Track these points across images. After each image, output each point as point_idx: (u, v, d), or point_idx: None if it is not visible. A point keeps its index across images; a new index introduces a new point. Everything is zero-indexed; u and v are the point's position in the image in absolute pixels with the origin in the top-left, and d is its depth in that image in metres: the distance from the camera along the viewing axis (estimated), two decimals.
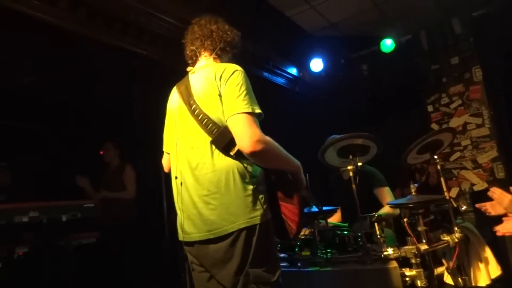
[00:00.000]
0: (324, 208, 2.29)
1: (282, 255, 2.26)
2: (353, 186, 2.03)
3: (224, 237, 1.41)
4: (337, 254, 2.06)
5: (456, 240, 2.09)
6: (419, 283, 1.83)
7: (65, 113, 4.03)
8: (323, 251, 2.08)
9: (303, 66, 5.01)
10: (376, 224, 2.00)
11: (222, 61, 1.68)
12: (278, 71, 4.71)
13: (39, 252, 2.81)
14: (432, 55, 4.60)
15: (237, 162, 1.46)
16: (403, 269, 1.86)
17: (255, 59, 4.14)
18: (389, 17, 4.23)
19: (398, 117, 4.48)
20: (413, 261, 1.87)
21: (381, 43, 4.44)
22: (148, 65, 3.34)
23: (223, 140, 1.44)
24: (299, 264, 2.13)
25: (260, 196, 1.46)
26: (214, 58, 1.68)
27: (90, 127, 4.31)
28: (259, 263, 1.40)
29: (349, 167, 2.06)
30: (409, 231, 2.06)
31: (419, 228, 2.03)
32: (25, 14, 2.36)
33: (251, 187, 1.45)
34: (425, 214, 2.10)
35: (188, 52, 1.72)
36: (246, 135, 1.39)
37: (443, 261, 2.36)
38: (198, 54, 1.69)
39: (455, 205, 2.29)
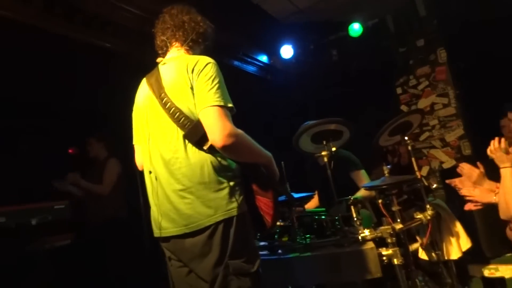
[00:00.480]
0: (301, 194, 2.31)
1: (262, 243, 2.27)
2: (328, 171, 2.04)
3: (201, 230, 1.40)
4: (316, 239, 2.09)
5: (429, 218, 2.16)
6: (395, 261, 1.89)
7: (33, 112, 3.84)
8: (302, 237, 2.10)
9: (273, 53, 4.99)
10: (352, 207, 2.04)
11: (193, 53, 1.65)
12: (249, 59, 4.67)
13: (9, 259, 2.69)
14: (399, 38, 4.68)
15: (211, 155, 1.44)
16: (380, 249, 1.90)
17: (224, 48, 4.08)
18: (356, 1, 4.26)
19: (369, 100, 4.56)
20: (389, 240, 1.92)
21: (349, 27, 4.48)
22: (113, 58, 3.22)
23: (196, 134, 1.43)
24: (279, 251, 2.14)
25: (236, 188, 1.46)
26: (185, 50, 1.65)
27: (59, 126, 4.14)
28: (238, 254, 1.41)
29: (323, 153, 2.08)
30: (384, 212, 2.11)
31: (393, 208, 2.08)
32: None
33: (226, 180, 1.45)
34: (399, 194, 2.15)
35: (158, 42, 1.68)
36: (217, 128, 1.38)
37: (417, 238, 2.45)
38: (168, 44, 1.66)
39: (426, 183, 2.36)
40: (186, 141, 1.45)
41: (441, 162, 4.43)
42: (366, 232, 1.93)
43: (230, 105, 1.44)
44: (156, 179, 1.51)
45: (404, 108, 4.69)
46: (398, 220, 2.03)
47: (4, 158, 3.79)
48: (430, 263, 2.44)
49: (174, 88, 1.49)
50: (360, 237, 1.93)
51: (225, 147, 1.38)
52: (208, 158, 1.44)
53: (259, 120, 5.08)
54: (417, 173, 2.32)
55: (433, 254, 2.39)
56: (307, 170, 3.29)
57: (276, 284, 2.04)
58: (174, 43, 1.65)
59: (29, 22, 2.45)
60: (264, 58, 4.94)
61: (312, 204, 3.10)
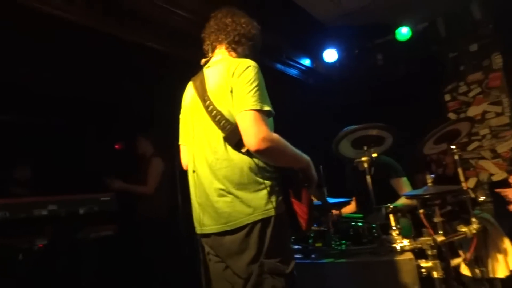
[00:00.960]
0: (338, 200, 2.28)
1: (296, 246, 2.27)
2: (368, 177, 2.01)
3: (240, 228, 1.44)
4: (352, 246, 2.06)
5: (474, 231, 2.06)
6: (435, 274, 1.82)
7: (83, 108, 4.10)
8: (337, 243, 2.08)
9: (316, 57, 4.94)
10: (391, 215, 1.99)
11: (238, 55, 1.67)
12: (292, 63, 4.66)
13: (58, 244, 2.89)
14: (450, 42, 4.47)
15: (249, 157, 1.48)
16: (419, 261, 1.84)
17: (268, 50, 4.10)
18: (405, 4, 4.13)
19: (414, 107, 4.39)
20: (429, 252, 1.85)
21: (397, 31, 4.34)
22: (164, 60, 3.35)
23: (234, 137, 1.46)
24: (313, 255, 2.13)
25: (274, 190, 1.48)
26: (229, 52, 1.67)
27: (107, 123, 4.38)
28: (274, 254, 1.43)
29: (364, 159, 2.04)
30: (426, 222, 2.04)
31: (436, 219, 2.01)
32: (47, 12, 2.39)
33: (264, 181, 1.47)
34: (442, 205, 2.07)
35: (204, 47, 1.73)
36: (251, 133, 1.39)
37: (460, 252, 2.33)
38: (213, 48, 1.70)
39: (472, 195, 2.25)
40: (226, 143, 1.49)
41: (491, 174, 4.17)
42: (405, 242, 1.88)
43: (267, 108, 1.44)
44: (198, 178, 1.57)
45: (452, 115, 4.47)
46: (440, 232, 1.95)
47: (58, 151, 4.08)
48: (473, 280, 2.32)
49: (216, 91, 1.53)
50: (398, 247, 1.88)
51: (259, 151, 1.40)
52: (246, 160, 1.47)
53: (300, 123, 5.06)
54: (463, 184, 2.21)
55: (477, 271, 2.27)
56: (346, 174, 3.23)
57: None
58: (218, 46, 1.69)
59: (87, 24, 2.62)
60: (307, 62, 4.91)
61: (349, 209, 3.05)
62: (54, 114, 4.10)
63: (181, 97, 1.76)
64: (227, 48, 1.67)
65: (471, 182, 4.24)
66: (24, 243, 2.79)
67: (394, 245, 1.88)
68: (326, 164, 2.53)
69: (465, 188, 2.22)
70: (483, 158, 4.23)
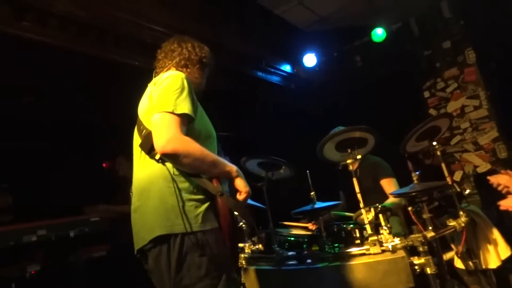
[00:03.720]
0: (327, 203, 2.30)
1: (290, 253, 2.27)
2: (354, 179, 2.03)
3: (154, 245, 1.37)
4: (345, 248, 2.07)
5: (463, 225, 2.09)
6: (428, 270, 1.84)
7: (62, 130, 4.04)
8: (330, 246, 2.09)
9: (296, 62, 5.01)
10: (380, 215, 2.01)
11: None
12: (272, 70, 4.71)
13: (51, 269, 2.83)
14: (423, 41, 4.58)
15: (165, 167, 1.41)
16: (412, 258, 1.86)
17: (247, 59, 4.14)
18: (378, 6, 4.23)
19: (396, 105, 4.47)
20: (420, 249, 1.87)
21: (372, 32, 4.43)
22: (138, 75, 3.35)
23: (148, 142, 1.42)
24: (308, 261, 2.13)
25: (190, 204, 1.39)
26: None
27: (88, 143, 4.31)
28: (183, 282, 1.33)
29: (349, 161, 2.07)
30: (415, 219, 2.07)
31: (424, 216, 2.04)
32: (19, 36, 2.37)
33: (180, 193, 1.38)
34: (429, 201, 2.10)
35: (154, 75, 1.71)
36: (159, 134, 1.36)
37: (452, 246, 2.37)
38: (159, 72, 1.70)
39: (458, 189, 2.29)
40: (143, 153, 1.47)
41: (475, 166, 4.26)
42: (396, 241, 1.90)
43: (181, 111, 1.39)
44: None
45: (432, 111, 4.57)
46: (430, 228, 1.98)
47: (40, 176, 3.99)
48: (467, 272, 2.36)
49: (142, 104, 1.57)
50: (390, 246, 1.89)
51: (165, 154, 1.35)
52: (160, 170, 1.41)
53: (284, 129, 5.09)
54: (448, 179, 2.25)
55: (470, 263, 2.30)
56: (337, 175, 3.25)
57: None
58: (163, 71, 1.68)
59: (64, 46, 2.60)
60: (287, 68, 4.97)
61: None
62: (32, 137, 4.02)
63: None
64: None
65: (458, 175, 4.32)
66: (16, 272, 2.73)
67: (385, 244, 1.90)
68: (313, 169, 2.56)
69: (450, 182, 2.26)
70: (466, 151, 4.33)
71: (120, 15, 2.59)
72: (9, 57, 2.64)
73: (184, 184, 1.41)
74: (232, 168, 1.50)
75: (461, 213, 2.14)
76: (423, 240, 1.88)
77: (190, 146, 1.37)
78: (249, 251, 2.41)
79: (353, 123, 2.14)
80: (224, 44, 3.50)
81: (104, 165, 4.56)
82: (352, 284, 1.91)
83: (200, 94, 1.73)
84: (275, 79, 4.83)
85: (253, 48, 4.10)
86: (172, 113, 1.38)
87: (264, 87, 4.75)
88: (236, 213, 1.50)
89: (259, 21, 4.01)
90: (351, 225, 2.21)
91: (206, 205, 1.43)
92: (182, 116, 1.40)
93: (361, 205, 2.04)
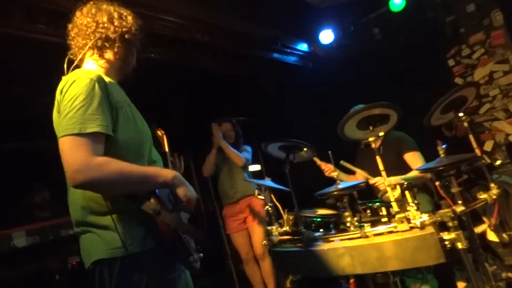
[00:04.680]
0: (352, 183, 2.27)
1: (317, 233, 2.28)
2: (377, 157, 1.99)
3: (93, 270, 1.29)
4: (371, 226, 2.04)
5: (494, 197, 2.02)
6: (459, 245, 1.79)
7: None
8: (357, 225, 2.07)
9: (313, 40, 4.88)
10: (406, 191, 1.96)
11: (110, 61, 1.44)
12: (288, 50, 4.63)
13: None
14: (445, 6, 4.35)
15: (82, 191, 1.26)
16: (441, 234, 1.82)
17: (261, 42, 4.08)
18: None
19: (419, 77, 4.32)
20: (450, 224, 1.82)
21: (390, 2, 4.25)
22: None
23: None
24: (335, 240, 2.13)
25: (127, 226, 1.26)
26: (100, 59, 1.44)
27: None
28: None
29: (371, 139, 2.02)
30: (443, 194, 2.01)
31: (453, 190, 1.97)
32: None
33: (111, 215, 1.24)
34: (458, 174, 2.04)
35: (70, 56, 1.45)
36: (65, 166, 1.17)
37: (484, 219, 2.31)
38: (80, 56, 1.41)
39: (488, 160, 2.21)
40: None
41: (507, 135, 4.08)
42: (424, 217, 1.85)
43: (92, 130, 1.17)
44: None
45: (458, 80, 4.38)
46: (459, 202, 1.92)
47: None
48: (501, 245, 2.30)
49: (54, 117, 1.34)
50: (418, 223, 1.86)
51: (78, 187, 1.17)
52: (79, 194, 1.28)
53: (304, 110, 5.04)
54: (477, 150, 2.17)
55: (504, 235, 2.24)
56: (360, 153, 3.21)
57: (334, 273, 2.03)
58: (87, 54, 1.44)
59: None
60: (304, 47, 4.86)
61: (353, 179, 3.02)
62: None
63: None
64: (92, 56, 1.43)
65: (489, 145, 4.15)
66: (58, 263, 2.88)
67: (413, 221, 1.86)
68: (336, 149, 2.53)
69: (479, 154, 2.18)
70: (496, 119, 4.14)
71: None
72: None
73: (117, 205, 1.26)
74: (167, 176, 1.31)
75: (492, 185, 2.06)
76: (452, 215, 1.82)
77: (105, 171, 1.16)
78: (276, 233, 2.43)
79: (376, 98, 2.07)
80: (236, 28, 3.46)
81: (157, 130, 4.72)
82: (381, 262, 1.89)
83: (129, 76, 1.55)
84: (291, 59, 4.74)
85: (266, 30, 4.03)
86: (79, 134, 1.16)
87: (281, 68, 4.68)
88: (176, 228, 1.33)
89: (271, 1, 3.93)
90: (377, 203, 2.18)
91: (145, 223, 1.30)
92: (93, 136, 1.18)
93: (386, 182, 2.00)
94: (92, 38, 1.39)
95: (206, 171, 3.75)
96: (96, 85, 1.24)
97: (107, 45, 1.42)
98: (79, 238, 1.36)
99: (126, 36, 1.44)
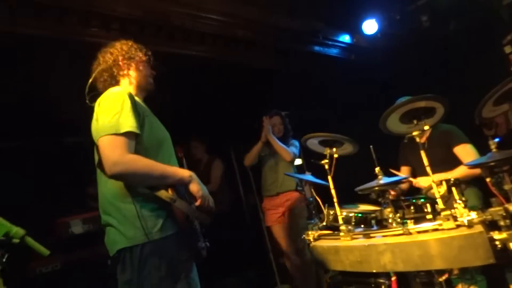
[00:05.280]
0: (395, 178, 2.21)
1: (357, 229, 2.25)
2: (422, 152, 1.91)
3: (117, 257, 1.50)
4: (415, 224, 1.98)
5: None
6: (511, 246, 1.69)
7: None
8: (400, 222, 2.02)
9: (355, 31, 4.73)
10: (453, 187, 1.88)
11: (123, 84, 1.75)
12: (330, 42, 4.54)
13: None
14: None
15: (119, 183, 1.51)
16: (491, 233, 1.72)
17: (302, 35, 4.04)
18: None
19: (472, 65, 4.05)
20: (502, 223, 1.72)
21: None
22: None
23: (101, 164, 1.50)
24: (377, 237, 2.09)
25: (149, 215, 1.49)
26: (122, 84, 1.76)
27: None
28: (142, 286, 1.44)
29: (415, 133, 1.95)
30: (495, 191, 1.90)
31: (506, 187, 1.85)
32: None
33: (138, 206, 1.48)
34: (511, 170, 1.91)
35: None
36: (104, 159, 1.43)
37: None
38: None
39: None
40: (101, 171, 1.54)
41: None
42: (473, 215, 1.77)
43: (125, 130, 1.45)
44: None
45: None
46: None
47: None
48: None
49: (92, 124, 1.61)
50: (465, 221, 1.77)
51: (113, 177, 1.44)
52: (119, 185, 1.51)
53: (347, 104, 4.93)
54: None
55: None
56: (403, 148, 3.10)
57: (375, 269, 2.00)
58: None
59: None
60: (346, 38, 4.73)
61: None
62: None
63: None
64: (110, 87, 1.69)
65: None
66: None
67: (460, 218, 1.78)
68: (379, 144, 2.46)
69: None
70: None
71: (172, 9, 2.69)
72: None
73: (140, 198, 1.50)
74: (184, 174, 1.58)
75: None
76: (504, 214, 1.72)
77: (136, 165, 1.45)
78: (316, 228, 2.43)
79: (423, 91, 1.98)
80: (275, 23, 3.45)
81: (178, 152, 4.88)
82: (425, 260, 1.83)
83: (152, 88, 1.83)
84: (333, 51, 4.65)
85: (306, 23, 3.98)
86: (115, 134, 1.44)
87: (323, 61, 4.61)
88: (190, 215, 1.56)
89: None
90: (422, 200, 2.10)
91: (164, 212, 1.53)
92: (127, 135, 1.46)
93: (431, 178, 1.93)
94: (108, 72, 1.74)
95: (248, 161, 3.80)
96: (127, 95, 1.53)
97: (119, 71, 1.74)
98: (105, 230, 1.59)
99: (130, 56, 1.76)
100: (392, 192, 2.69)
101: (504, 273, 2.24)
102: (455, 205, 1.84)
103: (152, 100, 1.85)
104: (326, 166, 2.39)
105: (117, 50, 1.75)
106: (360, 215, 2.35)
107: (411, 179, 2.79)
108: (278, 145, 3.57)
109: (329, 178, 2.38)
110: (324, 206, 2.52)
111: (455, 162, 2.72)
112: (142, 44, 1.83)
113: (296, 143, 3.74)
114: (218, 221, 3.85)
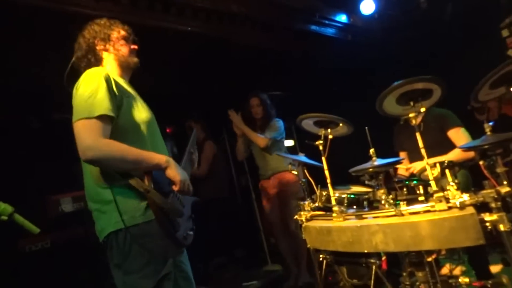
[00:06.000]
0: (388, 160, 2.21)
1: (350, 210, 2.26)
2: (417, 134, 1.90)
3: (106, 242, 1.51)
4: (407, 205, 1.99)
5: None
6: (502, 227, 1.70)
7: None
8: (392, 203, 2.02)
9: (352, 11, 4.65)
10: (447, 170, 1.88)
11: (101, 62, 1.71)
12: (327, 22, 4.44)
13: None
14: None
15: (97, 168, 1.49)
16: (482, 215, 1.74)
17: (299, 14, 3.96)
18: None
19: (469, 48, 4.02)
20: (493, 205, 1.74)
21: None
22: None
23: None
24: (368, 217, 2.10)
25: (130, 200, 1.47)
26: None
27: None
28: (130, 269, 1.45)
29: (411, 115, 1.93)
30: (487, 174, 1.91)
31: (498, 170, 1.86)
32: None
33: (112, 191, 1.46)
34: (504, 154, 1.91)
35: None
36: (78, 144, 1.41)
37: None
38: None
39: None
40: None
41: None
42: (465, 197, 1.78)
43: (99, 113, 1.41)
44: None
45: None
46: (505, 182, 1.82)
47: None
48: None
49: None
50: (457, 203, 1.78)
51: (87, 162, 1.42)
52: (96, 171, 1.50)
53: (343, 84, 4.89)
54: None
55: None
56: (397, 130, 3.10)
57: (366, 249, 2.01)
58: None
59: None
60: (343, 18, 4.64)
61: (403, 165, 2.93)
62: None
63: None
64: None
65: None
66: None
67: (453, 200, 1.79)
68: (373, 125, 2.44)
69: None
70: None
71: None
72: None
73: (118, 183, 1.48)
74: (161, 159, 1.52)
75: None
76: (496, 196, 1.73)
77: (110, 150, 1.42)
78: (309, 209, 2.43)
79: (419, 72, 1.95)
80: (273, 0, 3.37)
81: (168, 130, 4.81)
82: (416, 241, 1.85)
83: (136, 65, 1.76)
84: (330, 31, 4.56)
85: (303, 1, 3.89)
86: (89, 118, 1.41)
87: (318, 41, 4.53)
88: (164, 208, 1.49)
89: None
90: (414, 182, 2.11)
91: (144, 198, 1.49)
92: (101, 118, 1.42)
93: (426, 160, 1.92)
94: (83, 52, 1.70)
95: (240, 156, 3.84)
96: (103, 76, 1.49)
97: (97, 50, 1.70)
98: (92, 216, 1.58)
99: (103, 36, 1.70)
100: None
101: (484, 253, 2.29)
102: (447, 187, 1.85)
103: (144, 79, 1.79)
104: (321, 147, 2.37)
105: (89, 33, 1.70)
106: (352, 196, 2.36)
107: (407, 164, 2.81)
108: (250, 134, 3.55)
109: (323, 159, 2.36)
110: (317, 187, 2.52)
111: (449, 145, 2.74)
112: (135, 17, 1.75)
113: (280, 123, 3.66)
114: (216, 205, 3.88)
